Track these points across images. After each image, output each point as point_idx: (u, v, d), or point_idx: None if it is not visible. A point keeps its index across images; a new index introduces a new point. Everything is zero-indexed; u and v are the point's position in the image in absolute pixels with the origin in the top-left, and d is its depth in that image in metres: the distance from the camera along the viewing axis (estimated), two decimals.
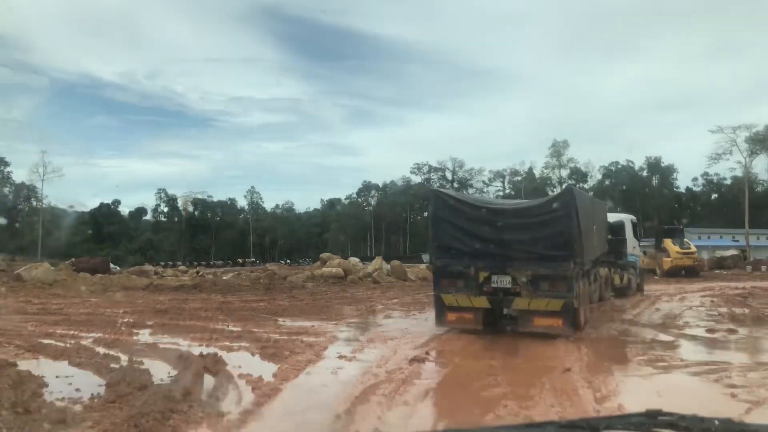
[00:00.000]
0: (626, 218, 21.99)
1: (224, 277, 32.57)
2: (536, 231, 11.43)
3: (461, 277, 11.87)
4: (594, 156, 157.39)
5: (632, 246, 21.46)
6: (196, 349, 10.43)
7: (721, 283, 29.35)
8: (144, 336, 12.72)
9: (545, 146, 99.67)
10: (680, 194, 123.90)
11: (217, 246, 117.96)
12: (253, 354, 10.27)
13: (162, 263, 65.99)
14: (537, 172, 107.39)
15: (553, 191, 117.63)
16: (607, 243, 17.02)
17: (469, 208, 12.17)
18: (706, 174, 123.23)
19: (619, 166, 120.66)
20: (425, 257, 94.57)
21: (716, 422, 1.83)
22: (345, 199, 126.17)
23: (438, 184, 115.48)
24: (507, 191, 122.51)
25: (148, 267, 40.33)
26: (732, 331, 12.89)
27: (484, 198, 16.31)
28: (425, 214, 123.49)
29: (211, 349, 10.43)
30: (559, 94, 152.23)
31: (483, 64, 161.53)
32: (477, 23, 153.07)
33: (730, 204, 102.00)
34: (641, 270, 23.25)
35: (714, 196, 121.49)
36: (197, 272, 39.26)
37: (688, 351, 10.65)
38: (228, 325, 14.05)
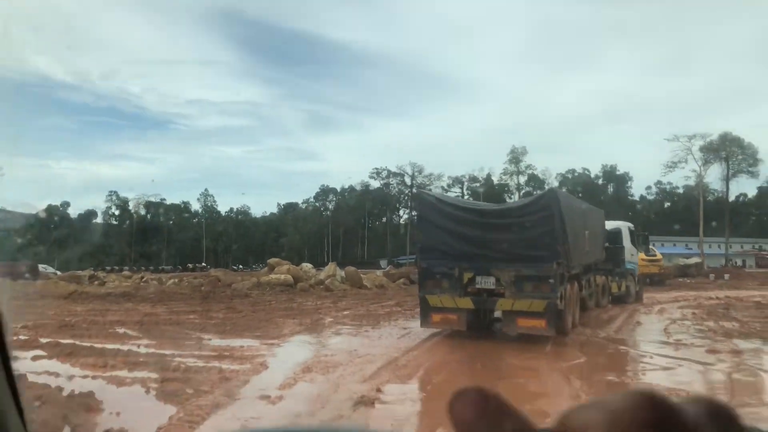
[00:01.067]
0: (623, 225, 21.27)
1: (168, 283, 29.59)
2: (519, 232, 11.32)
3: (446, 278, 11.71)
4: (551, 164, 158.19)
5: (630, 254, 20.73)
6: (78, 382, 7.82)
7: (691, 293, 27.60)
8: (23, 361, 9.96)
9: (504, 153, 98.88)
10: (635, 202, 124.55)
11: (170, 251, 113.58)
12: (147, 390, 7.67)
13: (108, 268, 62.12)
14: (495, 179, 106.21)
15: (510, 198, 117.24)
16: (603, 251, 16.93)
17: (453, 210, 12.08)
18: (659, 183, 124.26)
19: (576, 174, 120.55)
20: (383, 263, 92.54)
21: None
22: (302, 203, 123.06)
23: (397, 189, 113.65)
24: (466, 197, 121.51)
25: (81, 272, 36.82)
26: (736, 353, 10.81)
27: (468, 200, 15.99)
28: (384, 219, 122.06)
29: (96, 382, 7.83)
30: (517, 102, 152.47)
31: (442, 71, 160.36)
32: (436, 31, 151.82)
33: (683, 212, 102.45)
34: (640, 278, 22.36)
35: (667, 204, 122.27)
36: (141, 278, 36.11)
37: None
38: (139, 345, 11.40)
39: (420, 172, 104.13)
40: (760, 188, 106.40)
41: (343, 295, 24.77)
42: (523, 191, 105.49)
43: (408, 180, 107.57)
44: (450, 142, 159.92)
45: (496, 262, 11.34)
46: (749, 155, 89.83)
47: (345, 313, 17.62)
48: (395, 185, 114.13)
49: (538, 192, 16.66)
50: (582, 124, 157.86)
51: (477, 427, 0.29)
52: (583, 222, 13.93)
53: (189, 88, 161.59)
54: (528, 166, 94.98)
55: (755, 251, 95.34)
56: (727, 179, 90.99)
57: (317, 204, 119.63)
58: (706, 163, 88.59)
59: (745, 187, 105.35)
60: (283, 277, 27.19)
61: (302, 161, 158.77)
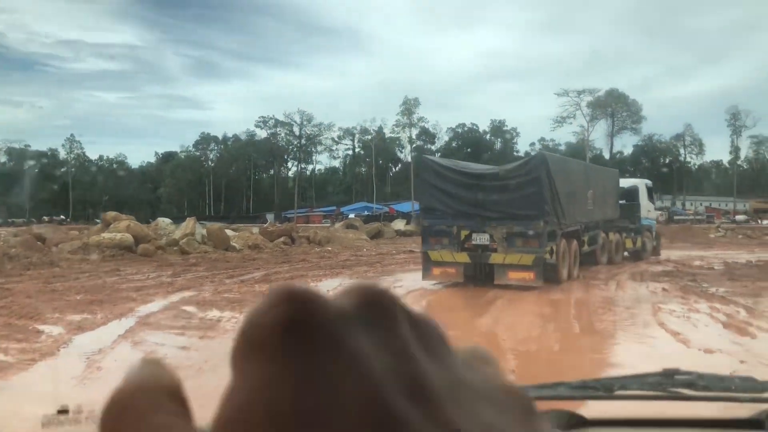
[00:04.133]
0: (641, 183, 21.06)
1: None
2: (510, 193, 12.13)
3: (445, 235, 12.54)
4: (442, 120, 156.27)
5: (647, 210, 20.43)
6: None
7: None
8: None
9: (395, 108, 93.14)
10: (519, 157, 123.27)
11: (35, 201, 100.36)
12: None
13: None
14: (387, 131, 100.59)
15: (402, 151, 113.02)
16: (617, 208, 17.73)
17: (452, 173, 12.76)
18: (542, 139, 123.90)
19: (466, 128, 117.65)
20: (270, 217, 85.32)
21: (737, 380, 1.76)
22: (181, 152, 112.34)
23: (285, 140, 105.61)
24: (357, 150, 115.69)
25: None
26: None
27: (467, 164, 16.04)
28: (271, 171, 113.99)
29: None
30: (408, 58, 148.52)
31: (333, 22, 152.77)
32: None
33: None
34: (657, 233, 21.85)
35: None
36: None
37: None
38: None
39: (309, 121, 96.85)
40: (635, 146, 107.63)
41: (195, 262, 18.26)
42: (414, 144, 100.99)
43: (297, 130, 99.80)
44: (341, 93, 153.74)
45: (490, 221, 12.11)
46: (633, 112, 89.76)
47: (175, 298, 11.17)
48: (283, 135, 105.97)
49: (525, 157, 17.71)
50: (473, 80, 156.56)
51: None
52: (583, 182, 14.68)
53: (61, 28, 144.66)
54: (420, 119, 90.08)
55: None
56: (611, 135, 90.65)
57: (197, 153, 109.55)
58: (593, 119, 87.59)
59: (628, 144, 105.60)
60: (120, 236, 20.20)
61: (186, 110, 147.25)
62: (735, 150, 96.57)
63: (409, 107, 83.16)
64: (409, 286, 13.09)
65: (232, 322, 8.80)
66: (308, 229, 33.90)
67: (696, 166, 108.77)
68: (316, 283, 13.34)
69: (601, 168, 17.05)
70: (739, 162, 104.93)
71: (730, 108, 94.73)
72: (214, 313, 9.50)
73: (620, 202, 18.44)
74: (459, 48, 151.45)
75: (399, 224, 40.45)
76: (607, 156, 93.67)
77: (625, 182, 19.93)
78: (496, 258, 12.07)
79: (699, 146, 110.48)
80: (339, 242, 28.82)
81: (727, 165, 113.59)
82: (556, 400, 1.70)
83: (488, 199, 12.16)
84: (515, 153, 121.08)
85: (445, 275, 12.60)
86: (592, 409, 1.69)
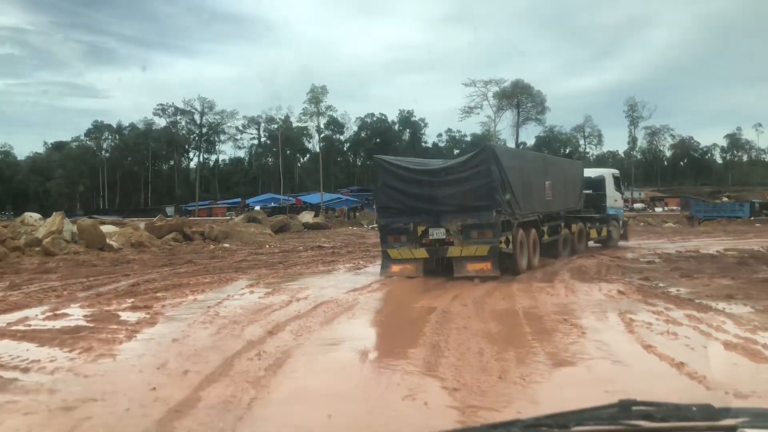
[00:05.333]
0: (607, 173, 21.06)
1: None
2: (463, 186, 12.25)
3: (403, 232, 12.54)
4: (351, 110, 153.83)
5: (614, 199, 20.49)
6: None
7: None
8: None
9: (302, 97, 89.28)
10: (427, 148, 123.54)
11: None
12: None
13: None
14: (294, 119, 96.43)
15: (310, 141, 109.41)
16: (580, 199, 17.84)
17: (405, 171, 12.85)
18: (449, 130, 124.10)
19: (375, 119, 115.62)
20: (169, 210, 79.83)
21: (694, 409, 1.75)
22: (72, 141, 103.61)
23: (186, 129, 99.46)
24: (263, 139, 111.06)
25: None
26: None
27: (418, 160, 15.85)
28: (172, 162, 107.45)
29: None
30: (315, 47, 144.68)
31: (237, 10, 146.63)
32: None
33: None
34: (624, 222, 22.05)
35: (456, 151, 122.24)
36: None
37: None
38: None
39: (211, 108, 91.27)
40: (537, 137, 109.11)
41: (53, 267, 14.70)
42: (322, 134, 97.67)
43: (198, 118, 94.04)
44: (247, 82, 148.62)
45: (445, 215, 12.22)
46: (538, 103, 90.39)
47: None
48: (184, 124, 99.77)
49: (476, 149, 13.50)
50: (381, 71, 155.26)
51: None
52: (540, 173, 14.84)
53: None
54: (329, 107, 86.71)
55: None
56: (517, 126, 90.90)
57: (90, 143, 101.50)
58: (500, 109, 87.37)
59: (533, 134, 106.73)
60: None
61: (80, 98, 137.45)
62: (633, 140, 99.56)
63: (316, 95, 79.51)
64: (318, 295, 10.36)
65: (47, 369, 5.77)
66: (207, 223, 30.40)
67: (594, 157, 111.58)
68: (193, 297, 10.33)
69: (561, 159, 17.06)
70: (634, 152, 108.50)
71: (628, 99, 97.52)
72: (28, 354, 6.39)
73: (587, 192, 18.52)
74: (367, 39, 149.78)
75: (307, 216, 37.53)
76: (511, 146, 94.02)
77: (592, 172, 20.18)
78: (453, 251, 12.12)
79: (598, 137, 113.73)
80: (239, 238, 25.62)
81: (622, 155, 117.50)
82: None
83: (442, 193, 12.30)
84: (423, 144, 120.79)
85: (405, 272, 12.52)
86: None
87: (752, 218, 41.53)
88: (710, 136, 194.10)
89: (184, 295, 10.50)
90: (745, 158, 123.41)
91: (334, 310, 8.94)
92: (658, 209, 74.60)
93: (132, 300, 9.95)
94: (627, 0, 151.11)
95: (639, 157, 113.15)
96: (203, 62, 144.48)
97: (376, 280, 12.47)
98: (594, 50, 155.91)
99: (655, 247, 21.00)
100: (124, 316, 8.58)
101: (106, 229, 22.78)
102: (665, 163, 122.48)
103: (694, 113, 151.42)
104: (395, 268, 12.61)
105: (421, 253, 12.35)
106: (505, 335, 7.50)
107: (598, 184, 19.58)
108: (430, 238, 12.30)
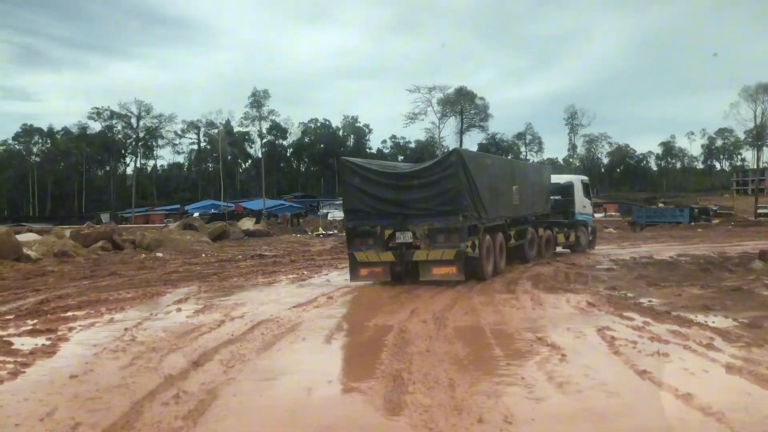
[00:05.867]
0: (576, 179, 20.88)
1: None
2: (430, 190, 12.12)
3: (370, 236, 12.37)
4: (294, 115, 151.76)
5: (582, 205, 20.35)
6: None
7: None
8: None
9: (244, 102, 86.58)
10: (372, 154, 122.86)
11: None
12: None
13: None
14: (236, 125, 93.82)
15: (252, 146, 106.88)
16: (547, 204, 18.18)
17: (373, 174, 12.61)
18: (393, 137, 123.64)
19: (318, 124, 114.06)
20: (104, 217, 76.21)
21: None
22: None
23: (123, 133, 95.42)
24: (203, 144, 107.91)
25: None
26: None
27: (387, 163, 16.55)
28: (107, 168, 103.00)
29: None
30: (258, 52, 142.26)
31: (176, 12, 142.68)
32: None
33: None
34: (593, 228, 21.88)
35: (401, 157, 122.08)
36: None
37: None
38: None
39: (148, 112, 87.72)
40: (480, 144, 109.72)
41: None
42: (264, 139, 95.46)
43: (135, 122, 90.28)
44: (187, 86, 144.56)
45: (412, 218, 12.05)
46: (481, 110, 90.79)
47: None
48: (120, 128, 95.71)
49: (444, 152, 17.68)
50: (324, 77, 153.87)
51: None
52: (507, 178, 14.82)
53: None
54: (271, 112, 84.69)
55: None
56: (461, 132, 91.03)
57: (19, 147, 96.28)
58: (444, 116, 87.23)
59: (476, 142, 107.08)
60: None
61: (9, 100, 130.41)
62: (572, 148, 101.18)
63: (258, 99, 77.51)
64: (256, 313, 9.06)
65: None
66: (139, 230, 28.43)
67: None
68: (109, 317, 8.86)
69: (529, 164, 18.24)
70: (573, 159, 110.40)
71: (568, 107, 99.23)
72: None
73: (556, 197, 18.60)
74: (310, 44, 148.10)
75: (247, 223, 35.83)
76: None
77: (561, 178, 20.21)
78: (419, 255, 11.97)
79: (539, 144, 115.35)
80: (173, 246, 23.86)
81: (562, 162, 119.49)
82: None
83: (409, 197, 12.19)
84: (368, 150, 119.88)
85: (372, 275, 12.47)
86: None
87: (692, 223, 42.15)
88: (645, 144, 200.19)
89: (99, 315, 9.00)
90: (678, 165, 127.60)
91: (274, 332, 7.66)
92: (599, 215, 75.65)
93: (34, 322, 8.42)
94: (566, 12, 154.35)
95: (578, 164, 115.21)
96: (141, 66, 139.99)
97: (323, 293, 11.23)
98: (535, 59, 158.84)
99: (607, 253, 20.43)
100: (18, 343, 7.08)
101: (25, 237, 20.80)
102: (603, 170, 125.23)
103: (630, 122, 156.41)
104: (363, 271, 12.43)
105: (388, 256, 12.17)
106: (475, 360, 6.40)
107: (567, 189, 19.58)
108: (397, 241, 12.15)
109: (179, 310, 9.45)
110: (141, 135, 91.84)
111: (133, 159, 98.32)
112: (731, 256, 18.10)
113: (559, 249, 19.23)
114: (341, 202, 13.36)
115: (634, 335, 7.41)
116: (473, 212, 12.27)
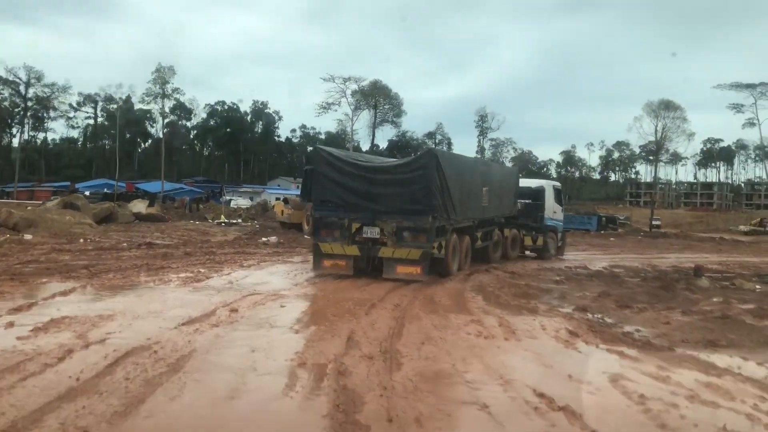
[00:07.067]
0: (548, 185, 20.49)
1: None
2: (401, 187, 11.92)
3: (337, 227, 12.10)
4: (200, 98, 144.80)
5: (553, 211, 19.87)
6: None
7: None
8: None
9: (147, 77, 79.81)
10: (281, 143, 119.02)
11: None
12: None
13: None
14: (137, 101, 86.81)
15: (153, 126, 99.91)
16: (514, 205, 17.66)
17: (345, 165, 12.30)
18: (304, 126, 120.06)
19: (226, 107, 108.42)
20: None
21: None
22: None
23: (10, 101, 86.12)
24: (100, 119, 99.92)
25: None
26: None
27: (362, 155, 15.72)
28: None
29: None
30: (166, 29, 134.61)
31: None
32: None
33: None
34: (563, 234, 21.18)
35: (310, 148, 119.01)
36: None
37: None
38: None
39: (39, 80, 79.45)
40: (390, 140, 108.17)
41: None
42: (167, 119, 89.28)
43: (23, 89, 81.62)
44: (87, 58, 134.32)
45: (381, 214, 11.79)
46: (395, 105, 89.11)
47: None
48: (7, 96, 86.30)
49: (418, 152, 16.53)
50: (234, 61, 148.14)
51: None
52: (478, 179, 14.43)
53: None
54: (176, 90, 78.87)
55: None
56: (373, 126, 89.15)
57: None
58: (357, 108, 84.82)
59: (389, 137, 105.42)
60: None
61: None
62: (481, 150, 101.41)
63: (162, 75, 71.72)
64: (125, 335, 6.29)
65: None
66: (5, 206, 24.22)
67: None
68: None
69: (499, 165, 18.41)
70: None
71: (478, 110, 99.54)
72: None
73: (525, 201, 18.46)
74: (222, 27, 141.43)
75: (139, 206, 31.85)
76: (366, 147, 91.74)
77: (533, 182, 20.18)
78: (385, 252, 11.72)
79: (448, 145, 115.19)
80: (47, 227, 20.12)
81: None
82: None
83: (380, 192, 11.97)
84: (277, 138, 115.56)
85: (335, 268, 12.08)
86: None
87: (601, 231, 42.00)
88: (548, 152, 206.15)
89: None
90: (577, 174, 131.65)
91: (147, 373, 4.96)
92: None
93: None
94: (477, 17, 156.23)
95: None
96: (38, 33, 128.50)
97: (224, 303, 8.38)
98: (449, 61, 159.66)
99: (533, 258, 18.84)
100: None
101: None
102: None
103: (534, 129, 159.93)
104: (327, 263, 12.08)
105: (353, 250, 11.88)
106: None
107: (537, 194, 19.19)
108: (364, 236, 11.89)
109: (10, 325, 6.44)
110: (30, 104, 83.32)
111: (20, 130, 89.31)
112: (665, 270, 16.94)
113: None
114: (301, 190, 13.71)
115: (662, 391, 5.33)
116: (443, 213, 11.96)
